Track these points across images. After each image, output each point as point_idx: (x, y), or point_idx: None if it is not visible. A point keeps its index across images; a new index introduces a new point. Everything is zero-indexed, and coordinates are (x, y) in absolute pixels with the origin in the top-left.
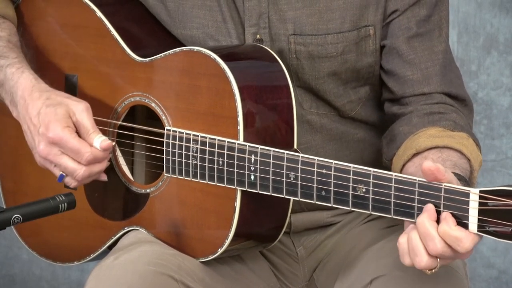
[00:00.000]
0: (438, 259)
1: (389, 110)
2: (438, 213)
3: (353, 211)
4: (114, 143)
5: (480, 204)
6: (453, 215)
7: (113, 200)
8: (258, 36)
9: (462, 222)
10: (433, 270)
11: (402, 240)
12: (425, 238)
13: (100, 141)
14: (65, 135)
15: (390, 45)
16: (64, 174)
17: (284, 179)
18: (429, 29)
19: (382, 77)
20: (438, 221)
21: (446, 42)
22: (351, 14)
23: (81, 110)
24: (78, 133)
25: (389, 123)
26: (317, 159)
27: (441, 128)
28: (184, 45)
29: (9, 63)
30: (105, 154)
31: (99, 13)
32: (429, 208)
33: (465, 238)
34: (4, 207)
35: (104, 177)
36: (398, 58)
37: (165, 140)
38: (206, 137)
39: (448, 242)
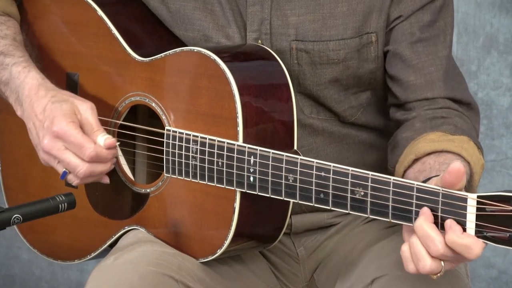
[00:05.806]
0: (443, 263)
1: (393, 116)
2: (436, 217)
3: None
4: (118, 143)
5: (478, 209)
6: None
7: (114, 199)
8: (259, 41)
9: None
10: (439, 274)
11: (404, 247)
12: (426, 240)
13: (104, 139)
14: (69, 129)
15: (393, 50)
16: (67, 171)
17: (283, 181)
18: (434, 34)
19: (387, 82)
20: (436, 224)
21: (450, 48)
22: (354, 20)
23: (86, 108)
24: (83, 131)
25: (394, 128)
26: (316, 162)
27: (441, 132)
28: (186, 45)
29: (15, 61)
30: (108, 154)
31: (100, 12)
32: (425, 211)
33: (474, 245)
34: (6, 205)
35: (106, 180)
36: (401, 63)
37: (165, 140)
38: (205, 138)
39: (458, 250)
